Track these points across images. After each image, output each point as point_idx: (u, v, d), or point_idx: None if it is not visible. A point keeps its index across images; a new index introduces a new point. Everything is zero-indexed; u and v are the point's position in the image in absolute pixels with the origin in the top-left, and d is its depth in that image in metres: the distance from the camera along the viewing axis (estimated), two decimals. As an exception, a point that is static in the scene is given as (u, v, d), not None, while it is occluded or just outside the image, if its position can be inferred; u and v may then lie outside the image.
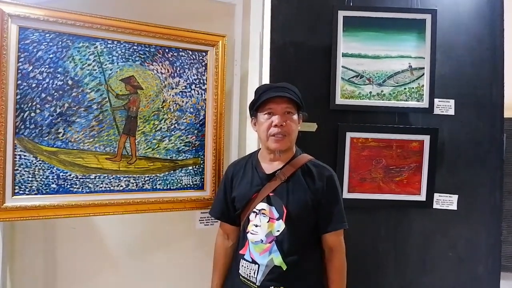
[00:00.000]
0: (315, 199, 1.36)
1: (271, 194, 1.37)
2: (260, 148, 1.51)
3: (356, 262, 1.81)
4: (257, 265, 1.35)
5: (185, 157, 1.71)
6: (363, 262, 1.85)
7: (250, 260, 1.37)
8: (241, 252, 1.41)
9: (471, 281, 1.87)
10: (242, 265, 1.39)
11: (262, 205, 1.37)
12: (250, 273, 1.36)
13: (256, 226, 1.36)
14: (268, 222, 1.35)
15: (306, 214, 1.35)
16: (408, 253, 1.88)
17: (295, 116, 1.39)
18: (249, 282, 1.36)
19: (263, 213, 1.36)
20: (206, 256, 1.93)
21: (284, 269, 1.32)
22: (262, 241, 1.35)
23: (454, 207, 1.86)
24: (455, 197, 1.85)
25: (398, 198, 1.83)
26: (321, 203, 1.37)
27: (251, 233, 1.37)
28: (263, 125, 1.38)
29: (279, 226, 1.34)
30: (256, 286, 1.34)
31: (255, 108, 1.40)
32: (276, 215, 1.35)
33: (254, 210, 1.38)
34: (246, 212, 1.40)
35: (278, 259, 1.33)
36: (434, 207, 1.84)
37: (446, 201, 1.85)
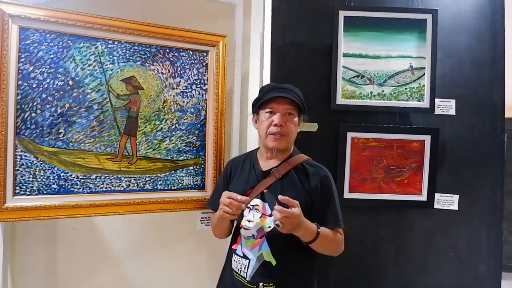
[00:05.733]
0: (309, 199, 1.37)
1: (265, 190, 1.39)
2: (260, 147, 1.52)
3: (357, 262, 1.83)
4: (247, 260, 1.37)
5: (186, 157, 1.71)
6: (363, 262, 1.86)
7: (242, 255, 1.39)
8: (233, 247, 1.44)
9: (472, 281, 1.87)
10: (234, 260, 1.41)
11: (256, 201, 1.39)
12: (241, 268, 1.38)
13: (249, 221, 1.38)
14: (260, 218, 1.36)
15: None
16: (409, 253, 1.88)
17: (296, 119, 1.42)
18: (240, 277, 1.38)
19: (256, 209, 1.38)
20: (207, 257, 1.94)
21: (274, 265, 1.34)
22: (254, 236, 1.37)
23: (455, 207, 1.85)
24: (456, 197, 1.85)
25: (399, 198, 1.83)
26: (315, 203, 1.38)
27: (244, 228, 1.39)
28: (263, 123, 1.41)
29: (271, 222, 1.34)
30: (246, 281, 1.35)
31: (258, 105, 1.43)
32: (269, 211, 1.37)
33: (248, 205, 1.40)
34: None
35: (267, 254, 1.34)
36: (435, 207, 1.84)
37: (447, 201, 1.85)
